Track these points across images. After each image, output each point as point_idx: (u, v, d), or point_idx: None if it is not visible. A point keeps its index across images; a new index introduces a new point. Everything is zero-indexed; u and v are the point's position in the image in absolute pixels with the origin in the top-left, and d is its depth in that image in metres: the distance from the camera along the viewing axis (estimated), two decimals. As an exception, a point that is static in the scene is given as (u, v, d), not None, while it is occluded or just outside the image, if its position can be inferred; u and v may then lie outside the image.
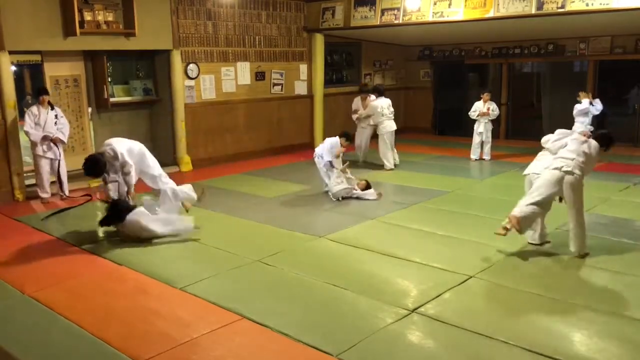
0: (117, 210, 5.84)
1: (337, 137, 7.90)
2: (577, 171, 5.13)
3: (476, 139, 10.38)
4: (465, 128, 13.66)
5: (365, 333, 3.89)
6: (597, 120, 10.44)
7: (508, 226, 5.21)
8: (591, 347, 3.69)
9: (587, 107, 9.47)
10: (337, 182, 7.58)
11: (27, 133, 7.57)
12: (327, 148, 7.83)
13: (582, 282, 4.77)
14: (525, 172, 5.74)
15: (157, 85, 9.92)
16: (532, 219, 5.27)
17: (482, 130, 10.33)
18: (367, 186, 7.75)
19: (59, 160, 7.81)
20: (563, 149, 5.32)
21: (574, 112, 9.75)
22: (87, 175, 6.19)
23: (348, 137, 8.01)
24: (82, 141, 9.28)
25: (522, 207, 5.21)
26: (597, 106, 9.48)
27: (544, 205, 5.25)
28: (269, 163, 10.46)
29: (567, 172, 5.13)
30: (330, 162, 7.72)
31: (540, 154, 5.75)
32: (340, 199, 7.51)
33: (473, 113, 10.30)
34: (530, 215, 5.19)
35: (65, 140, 7.91)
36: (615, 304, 4.29)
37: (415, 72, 14.31)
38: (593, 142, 5.31)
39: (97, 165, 6.02)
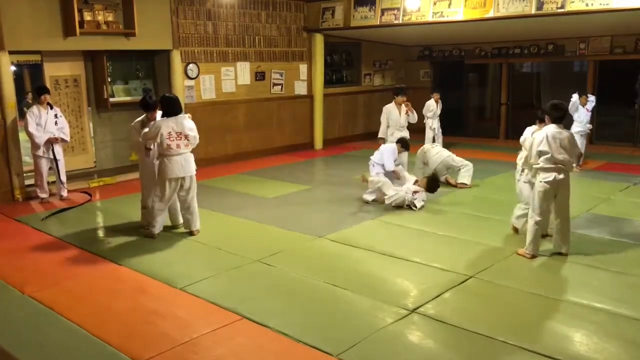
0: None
1: (394, 144, 7.74)
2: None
3: (430, 135, 10.65)
4: (465, 128, 13.72)
5: (365, 333, 3.89)
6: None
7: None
8: (591, 347, 3.69)
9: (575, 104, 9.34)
10: (392, 192, 7.11)
11: (31, 135, 7.56)
12: (387, 156, 7.45)
13: (582, 281, 4.76)
14: None
15: (157, 85, 9.91)
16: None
17: (435, 126, 10.64)
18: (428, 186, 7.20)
19: (59, 161, 7.81)
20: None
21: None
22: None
23: (404, 143, 7.70)
24: (82, 141, 9.28)
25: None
26: (590, 99, 9.45)
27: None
28: (269, 163, 10.46)
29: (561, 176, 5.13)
30: (393, 172, 7.45)
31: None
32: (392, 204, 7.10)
33: (430, 113, 10.51)
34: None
35: (68, 139, 7.92)
36: (615, 304, 4.29)
37: (415, 72, 14.30)
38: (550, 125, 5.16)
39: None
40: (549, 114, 5.16)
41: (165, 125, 5.82)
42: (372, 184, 7.28)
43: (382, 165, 7.49)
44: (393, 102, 8.64)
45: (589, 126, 9.38)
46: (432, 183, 7.17)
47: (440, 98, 10.70)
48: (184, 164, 5.92)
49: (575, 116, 9.23)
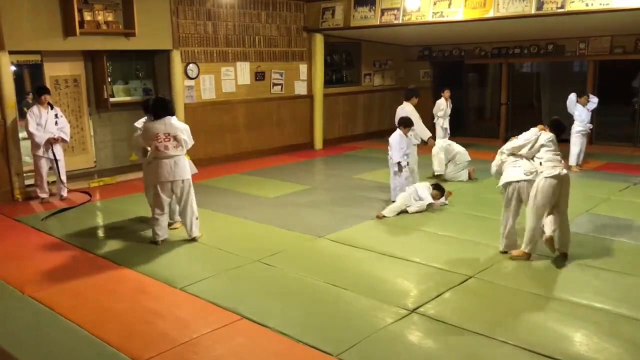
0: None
1: (397, 131, 7.32)
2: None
3: (440, 134, 10.35)
4: (465, 128, 13.71)
5: (365, 333, 3.89)
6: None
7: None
8: (591, 347, 3.69)
9: (572, 102, 9.36)
10: (415, 200, 6.93)
11: (31, 134, 7.57)
12: (394, 147, 7.22)
13: (582, 281, 4.76)
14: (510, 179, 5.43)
15: (157, 85, 9.91)
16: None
17: (446, 125, 10.38)
18: (441, 195, 7.19)
19: (59, 161, 7.81)
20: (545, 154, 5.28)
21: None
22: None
23: (402, 121, 7.31)
24: (82, 141, 9.28)
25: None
26: (593, 100, 9.46)
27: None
28: (269, 163, 10.46)
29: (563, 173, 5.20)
30: (399, 164, 7.18)
31: (512, 160, 5.52)
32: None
33: (441, 112, 10.24)
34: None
35: (68, 140, 7.92)
36: (615, 304, 4.29)
37: (415, 72, 14.30)
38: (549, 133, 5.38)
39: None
40: (550, 127, 5.43)
41: (153, 126, 5.75)
42: (391, 211, 6.80)
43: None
44: (410, 103, 8.16)
45: (590, 125, 9.42)
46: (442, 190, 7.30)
47: (450, 96, 10.38)
48: (174, 167, 5.75)
49: (576, 115, 9.27)
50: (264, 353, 3.72)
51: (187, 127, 5.94)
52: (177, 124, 5.82)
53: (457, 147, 9.03)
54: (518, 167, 5.42)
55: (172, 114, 5.90)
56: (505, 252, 5.41)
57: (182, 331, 3.99)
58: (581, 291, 4.54)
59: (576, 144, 9.27)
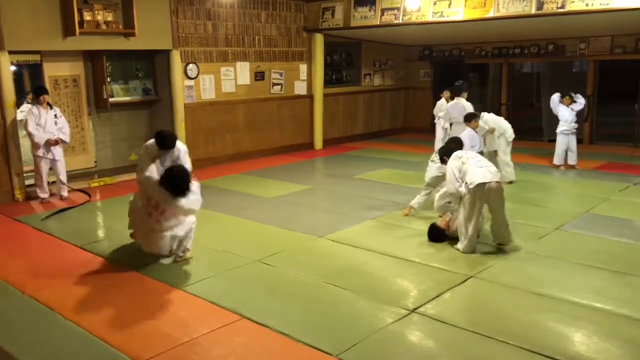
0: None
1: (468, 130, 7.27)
2: None
3: (440, 135, 10.26)
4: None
5: (365, 333, 3.89)
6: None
7: None
8: (591, 347, 3.69)
9: (554, 102, 9.40)
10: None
11: (30, 135, 7.56)
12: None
13: (582, 282, 4.76)
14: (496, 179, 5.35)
15: (157, 85, 9.91)
16: None
17: (447, 126, 10.32)
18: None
19: (59, 161, 7.81)
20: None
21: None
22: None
23: (471, 116, 7.38)
24: (82, 141, 9.28)
25: None
26: (579, 101, 9.45)
27: None
28: (269, 163, 10.46)
29: None
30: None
31: (474, 161, 5.45)
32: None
33: (442, 112, 10.14)
34: None
35: (68, 140, 7.90)
36: (615, 304, 4.29)
37: (415, 72, 14.31)
38: None
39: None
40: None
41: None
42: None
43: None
44: (462, 98, 8.69)
45: (575, 125, 9.37)
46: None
47: (450, 97, 10.40)
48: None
49: (560, 115, 9.32)
50: (263, 353, 3.72)
51: (184, 149, 5.86)
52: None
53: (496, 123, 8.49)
54: (485, 167, 5.40)
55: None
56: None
57: (182, 331, 3.99)
58: (581, 291, 4.54)
59: (560, 143, 9.33)
